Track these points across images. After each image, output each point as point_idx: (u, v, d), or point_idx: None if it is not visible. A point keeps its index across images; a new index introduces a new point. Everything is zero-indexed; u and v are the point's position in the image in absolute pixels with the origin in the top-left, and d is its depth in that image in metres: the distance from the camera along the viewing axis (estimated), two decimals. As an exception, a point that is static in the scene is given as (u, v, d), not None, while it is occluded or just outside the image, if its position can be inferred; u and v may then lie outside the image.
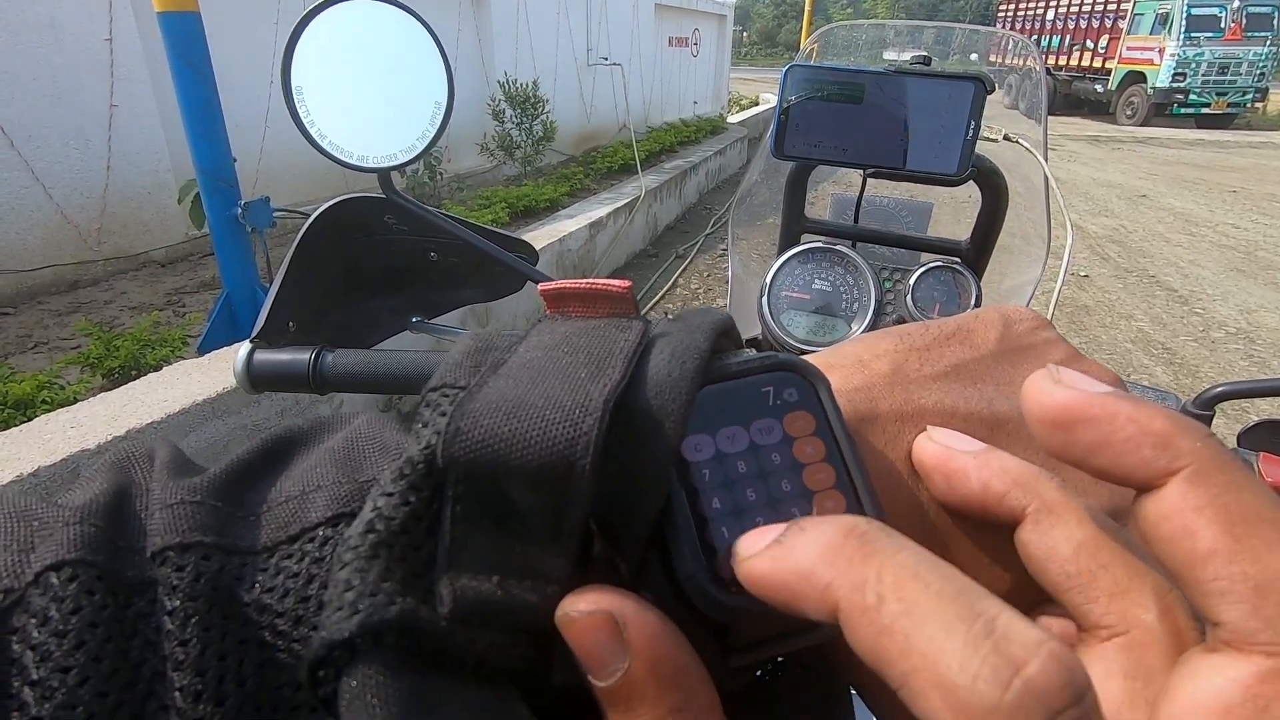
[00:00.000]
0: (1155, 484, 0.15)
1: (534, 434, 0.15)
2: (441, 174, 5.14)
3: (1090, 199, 7.44)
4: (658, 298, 4.35)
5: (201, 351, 2.51)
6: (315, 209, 0.63)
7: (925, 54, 0.60)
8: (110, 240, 3.76)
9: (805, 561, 0.15)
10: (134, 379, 2.08)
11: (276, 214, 2.66)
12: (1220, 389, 0.44)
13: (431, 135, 0.54)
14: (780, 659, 0.20)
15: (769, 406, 0.18)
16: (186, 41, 2.30)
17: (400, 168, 0.54)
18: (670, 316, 0.20)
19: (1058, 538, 0.17)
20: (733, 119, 10.75)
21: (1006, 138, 0.62)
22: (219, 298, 2.64)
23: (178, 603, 0.16)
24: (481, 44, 6.47)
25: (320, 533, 0.18)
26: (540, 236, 3.95)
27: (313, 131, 0.52)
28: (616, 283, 0.20)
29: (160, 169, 3.89)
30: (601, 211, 4.63)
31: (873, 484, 0.18)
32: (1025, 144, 0.63)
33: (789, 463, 0.18)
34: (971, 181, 0.67)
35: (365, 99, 0.53)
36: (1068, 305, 4.38)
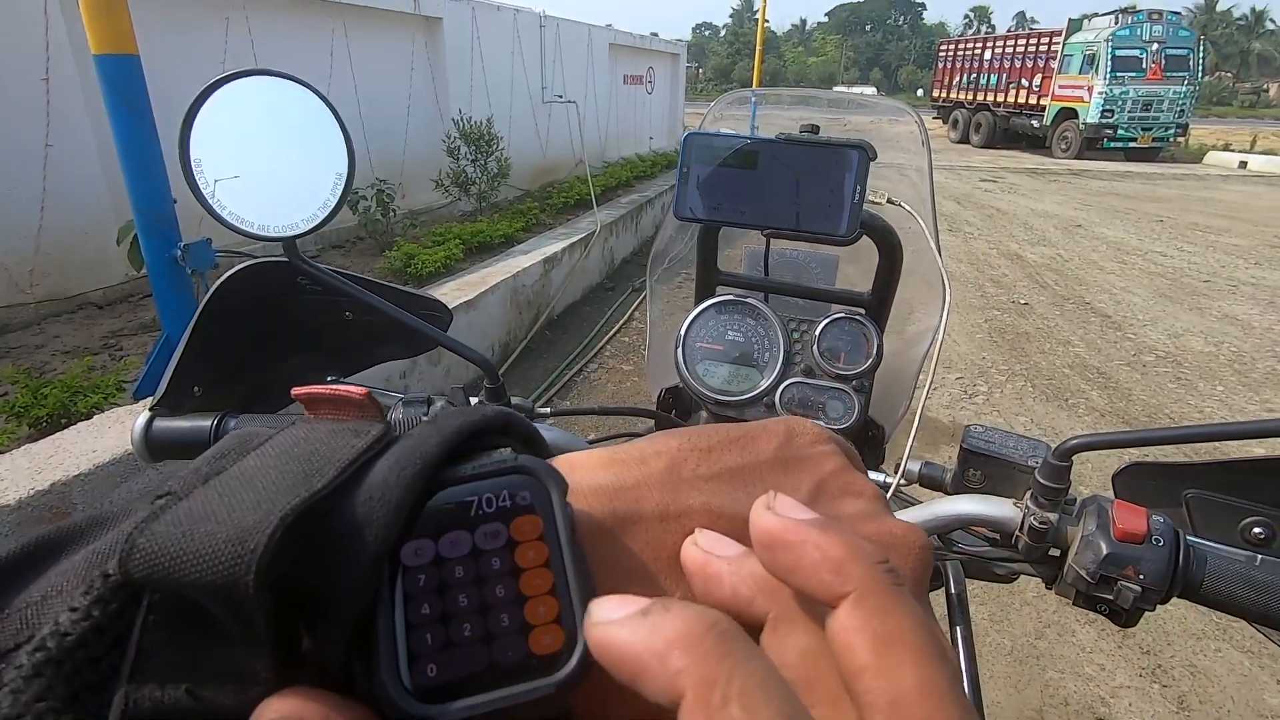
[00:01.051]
0: (834, 604, 0.17)
1: (203, 551, 0.16)
2: (395, 210, 5.12)
3: (1029, 229, 7.78)
4: (614, 331, 4.38)
5: (137, 396, 2.43)
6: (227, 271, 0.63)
7: (814, 123, 0.63)
8: (44, 282, 3.64)
9: (662, 642, 0.15)
10: (64, 428, 2.00)
11: (219, 255, 2.61)
12: (1075, 442, 0.48)
13: (333, 205, 0.55)
14: None
15: (498, 510, 0.18)
16: (123, 80, 2.27)
17: (302, 237, 0.55)
18: (427, 417, 0.21)
19: (788, 645, 0.18)
20: (688, 153, 10.96)
21: (890, 201, 0.66)
22: (158, 340, 2.57)
23: None
24: (436, 82, 6.51)
25: None
26: (495, 272, 3.95)
27: (212, 202, 0.53)
28: (355, 390, 0.21)
29: (100, 209, 3.79)
30: (557, 247, 4.66)
31: (591, 590, 0.18)
32: (908, 208, 0.67)
33: (509, 567, 0.18)
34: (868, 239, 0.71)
35: (266, 170, 0.54)
36: (1009, 333, 4.55)
